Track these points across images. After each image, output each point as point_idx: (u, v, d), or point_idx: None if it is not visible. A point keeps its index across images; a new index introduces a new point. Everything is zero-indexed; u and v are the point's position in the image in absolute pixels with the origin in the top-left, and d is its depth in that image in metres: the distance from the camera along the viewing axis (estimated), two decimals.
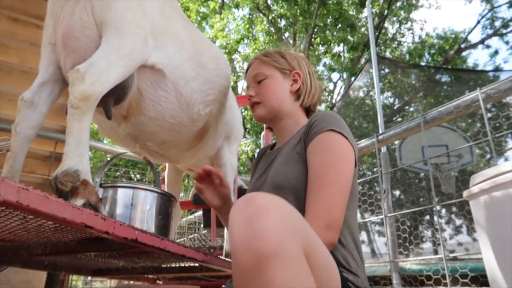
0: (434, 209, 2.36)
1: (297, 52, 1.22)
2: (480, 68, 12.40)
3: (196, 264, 1.38)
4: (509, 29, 11.21)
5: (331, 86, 12.56)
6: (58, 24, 1.06)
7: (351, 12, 10.77)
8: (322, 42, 10.72)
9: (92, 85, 0.86)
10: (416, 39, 12.76)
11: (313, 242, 0.65)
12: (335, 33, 10.49)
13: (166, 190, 1.42)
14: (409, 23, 12.57)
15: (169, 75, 1.17)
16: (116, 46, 0.96)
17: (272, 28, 10.80)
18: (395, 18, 12.41)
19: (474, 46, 11.90)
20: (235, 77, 10.87)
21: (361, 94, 9.13)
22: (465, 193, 1.50)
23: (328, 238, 0.84)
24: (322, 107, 12.91)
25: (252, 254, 0.55)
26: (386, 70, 8.28)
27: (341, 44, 11.05)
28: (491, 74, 8.95)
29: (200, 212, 4.15)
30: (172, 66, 1.17)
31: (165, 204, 1.13)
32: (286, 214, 0.60)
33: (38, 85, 1.10)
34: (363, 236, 8.87)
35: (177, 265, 1.44)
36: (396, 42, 12.85)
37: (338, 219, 0.87)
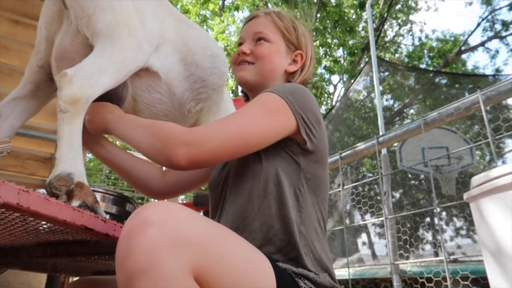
0: (435, 211, 2.36)
1: (309, 29, 1.08)
2: (480, 70, 12.41)
3: None
4: (509, 32, 11.23)
5: (331, 88, 12.57)
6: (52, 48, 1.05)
7: (350, 15, 10.79)
8: (322, 45, 10.73)
9: (80, 88, 0.84)
10: (416, 42, 12.78)
11: (215, 260, 0.57)
12: (335, 40, 10.48)
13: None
14: (409, 25, 12.59)
15: (163, 77, 1.18)
16: (108, 52, 0.93)
17: None
18: (394, 21, 12.42)
19: (474, 48, 11.91)
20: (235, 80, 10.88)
21: (361, 96, 9.12)
22: (465, 195, 1.50)
23: (178, 154, 0.74)
24: (322, 109, 12.93)
25: (124, 273, 0.52)
26: (386, 73, 8.28)
27: (341, 48, 11.07)
28: (490, 77, 8.95)
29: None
30: (166, 68, 1.18)
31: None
32: (173, 229, 0.54)
33: (10, 99, 1.08)
34: (364, 238, 8.85)
35: None
36: (396, 45, 12.86)
37: (208, 145, 0.75)
